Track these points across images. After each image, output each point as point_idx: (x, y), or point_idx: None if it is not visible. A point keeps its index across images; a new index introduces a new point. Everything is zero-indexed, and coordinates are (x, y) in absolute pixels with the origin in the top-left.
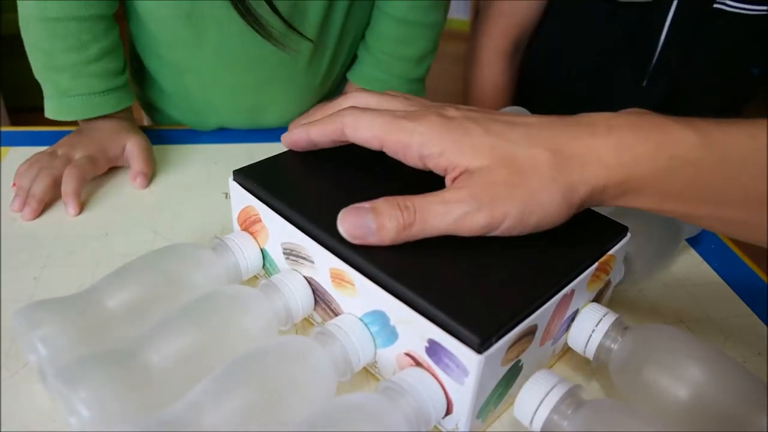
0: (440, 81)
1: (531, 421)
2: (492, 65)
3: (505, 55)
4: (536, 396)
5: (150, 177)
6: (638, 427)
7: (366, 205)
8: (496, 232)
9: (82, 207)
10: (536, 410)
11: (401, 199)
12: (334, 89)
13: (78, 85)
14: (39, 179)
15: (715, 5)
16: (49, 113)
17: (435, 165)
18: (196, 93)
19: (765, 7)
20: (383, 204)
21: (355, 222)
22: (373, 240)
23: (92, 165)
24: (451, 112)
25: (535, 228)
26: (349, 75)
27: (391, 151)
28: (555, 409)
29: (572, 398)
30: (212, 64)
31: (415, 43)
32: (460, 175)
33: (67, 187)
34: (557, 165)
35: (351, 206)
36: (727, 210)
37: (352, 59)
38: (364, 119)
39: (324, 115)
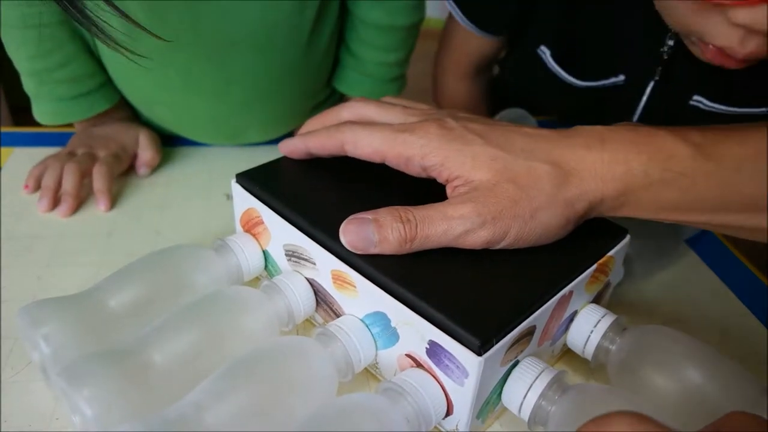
0: (430, 81)
1: (519, 409)
2: (455, 87)
3: (465, 79)
4: (523, 383)
5: (154, 168)
6: (623, 406)
7: (368, 215)
8: (496, 247)
9: (113, 203)
10: (524, 397)
11: (404, 211)
12: (320, 105)
13: (45, 92)
14: (68, 176)
15: (691, 102)
16: (35, 116)
17: (437, 174)
18: (170, 122)
19: (741, 109)
20: (386, 215)
21: (358, 233)
22: (374, 251)
23: (119, 162)
24: (450, 122)
25: (535, 243)
26: (335, 82)
27: (393, 164)
28: (542, 395)
29: (558, 384)
30: (180, 94)
31: (402, 48)
32: (461, 185)
33: (99, 183)
34: (557, 180)
35: (353, 216)
36: (725, 216)
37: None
38: (363, 135)
39: (323, 123)
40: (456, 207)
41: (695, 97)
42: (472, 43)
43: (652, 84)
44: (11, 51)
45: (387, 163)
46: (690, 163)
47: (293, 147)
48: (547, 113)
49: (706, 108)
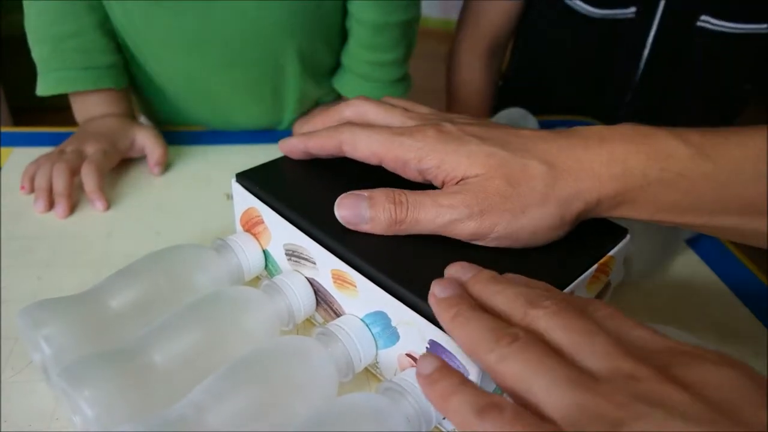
0: (432, 81)
1: None
2: (472, 65)
3: (482, 57)
4: None
5: (166, 164)
6: None
7: (364, 193)
8: (485, 242)
9: (108, 201)
10: None
11: (398, 193)
12: (318, 99)
13: (57, 59)
14: (57, 175)
15: (698, 23)
16: (38, 90)
17: (434, 177)
18: (158, 79)
19: (748, 25)
20: (380, 195)
21: (351, 209)
22: (365, 228)
23: (107, 159)
24: (448, 126)
25: (529, 242)
26: (334, 83)
27: (390, 167)
28: None
29: None
30: (160, 47)
31: (397, 47)
32: (456, 183)
33: (89, 184)
34: (552, 179)
35: (350, 192)
36: (723, 218)
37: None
38: (362, 137)
39: (324, 122)
40: (447, 196)
41: (702, 17)
42: (493, 10)
43: (660, 9)
44: (31, 16)
45: (384, 166)
46: (688, 164)
47: (292, 146)
48: (550, 106)
49: (713, 27)
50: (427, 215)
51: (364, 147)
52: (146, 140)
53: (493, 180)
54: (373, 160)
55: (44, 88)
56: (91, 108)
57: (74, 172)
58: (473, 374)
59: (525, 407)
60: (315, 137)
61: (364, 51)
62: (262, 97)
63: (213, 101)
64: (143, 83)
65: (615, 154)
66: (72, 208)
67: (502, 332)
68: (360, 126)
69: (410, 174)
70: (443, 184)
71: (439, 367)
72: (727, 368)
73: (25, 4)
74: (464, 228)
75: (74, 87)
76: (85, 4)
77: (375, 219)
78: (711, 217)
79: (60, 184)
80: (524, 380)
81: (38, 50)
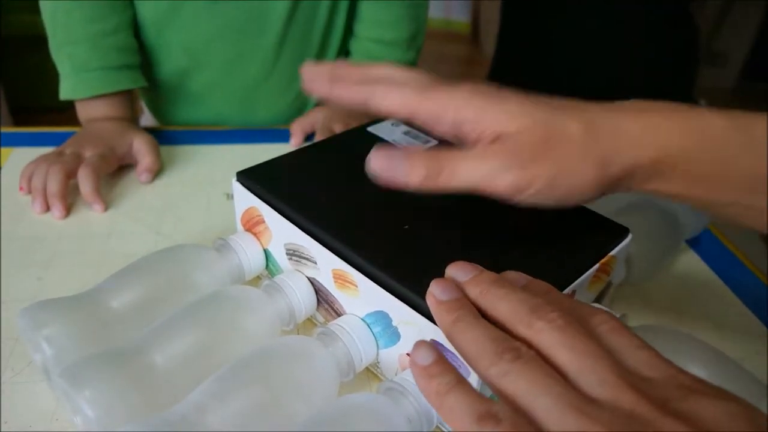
0: None
1: None
2: None
3: None
4: None
5: (156, 173)
6: None
7: (397, 151)
8: (522, 197)
9: (106, 203)
10: None
11: (433, 150)
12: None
13: (95, 58)
14: (51, 176)
15: None
16: (64, 93)
17: (469, 131)
18: (188, 73)
19: None
20: (415, 149)
21: (387, 160)
22: (401, 180)
23: (104, 162)
24: (484, 87)
25: (560, 199)
26: None
27: (421, 118)
28: None
29: None
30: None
31: (400, 25)
32: (493, 138)
33: (86, 187)
34: (591, 140)
35: (383, 148)
36: (754, 196)
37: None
38: (393, 88)
39: (350, 74)
40: (485, 148)
41: None
42: None
43: None
44: (62, 20)
45: (414, 119)
46: (725, 133)
47: (317, 75)
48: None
49: None
50: (467, 167)
51: (395, 96)
52: (141, 146)
53: (534, 132)
54: (403, 112)
55: (78, 89)
56: (95, 110)
57: (70, 175)
58: (474, 379)
59: (522, 415)
60: (343, 84)
61: (368, 28)
62: (295, 81)
63: (243, 90)
64: (162, 80)
65: (652, 122)
66: (68, 209)
67: (504, 345)
68: (393, 82)
69: (442, 128)
70: (477, 140)
71: (436, 360)
72: (726, 401)
73: (47, 4)
74: (504, 180)
75: (115, 86)
76: (120, 3)
77: (412, 171)
78: (742, 194)
79: (54, 185)
80: (526, 397)
81: (71, 50)
